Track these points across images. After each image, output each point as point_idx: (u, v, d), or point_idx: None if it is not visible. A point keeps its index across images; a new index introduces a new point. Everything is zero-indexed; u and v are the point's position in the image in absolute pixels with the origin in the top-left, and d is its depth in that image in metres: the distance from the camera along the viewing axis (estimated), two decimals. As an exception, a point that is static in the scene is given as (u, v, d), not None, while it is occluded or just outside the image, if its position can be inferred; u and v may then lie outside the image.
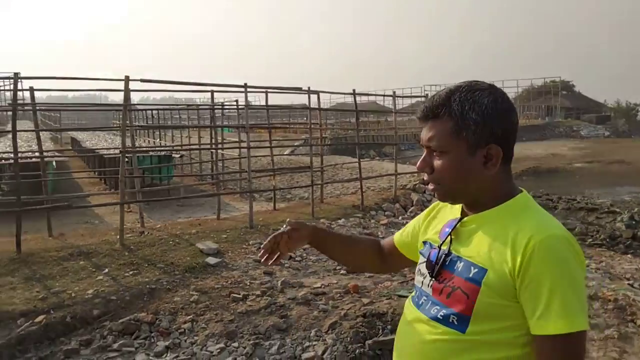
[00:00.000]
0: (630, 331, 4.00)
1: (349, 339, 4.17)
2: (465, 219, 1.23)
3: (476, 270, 1.14)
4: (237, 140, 10.74)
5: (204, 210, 9.52)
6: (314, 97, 8.16)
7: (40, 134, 6.98)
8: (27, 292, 5.01)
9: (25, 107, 6.39)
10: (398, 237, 1.52)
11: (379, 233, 7.21)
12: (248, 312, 4.70)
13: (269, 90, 7.98)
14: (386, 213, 8.41)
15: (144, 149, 11.54)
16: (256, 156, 11.91)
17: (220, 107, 10.00)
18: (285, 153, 20.27)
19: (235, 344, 4.25)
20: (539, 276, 1.05)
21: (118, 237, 6.38)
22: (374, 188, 10.05)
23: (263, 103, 9.42)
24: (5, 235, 7.20)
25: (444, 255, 1.21)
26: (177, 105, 18.24)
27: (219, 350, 4.16)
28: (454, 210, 1.29)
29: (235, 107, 9.99)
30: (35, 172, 7.97)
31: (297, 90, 8.05)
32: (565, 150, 26.05)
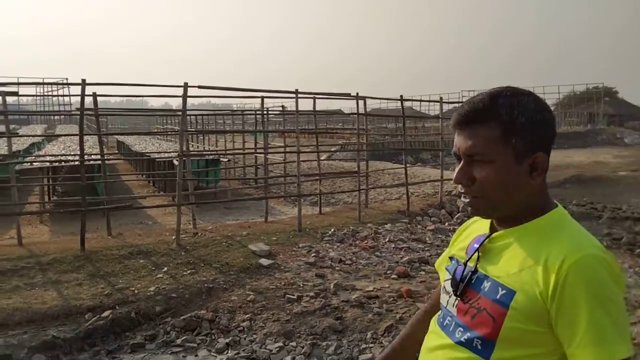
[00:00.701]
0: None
1: (405, 342, 4.23)
2: (495, 234, 1.13)
3: (504, 291, 1.06)
4: (281, 145, 10.91)
5: (250, 213, 9.73)
6: (360, 102, 8.27)
7: (86, 138, 7.26)
8: (92, 288, 5.26)
9: (87, 112, 6.63)
10: (438, 263, 1.37)
11: (427, 239, 7.23)
12: (303, 312, 4.82)
13: (317, 96, 8.13)
14: (432, 219, 8.42)
15: (200, 152, 11.87)
16: (290, 162, 12.11)
17: (266, 112, 10.21)
18: (322, 158, 20.40)
19: (294, 344, 4.38)
20: (575, 300, 0.97)
21: (174, 237, 6.61)
22: (418, 194, 10.07)
23: (303, 108, 9.56)
24: (65, 234, 7.59)
25: (470, 273, 1.13)
26: (221, 110, 18.64)
27: (277, 348, 4.29)
28: (482, 225, 1.20)
29: (281, 112, 10.17)
30: (89, 175, 8.33)
31: (346, 96, 8.18)
32: (608, 158, 25.26)
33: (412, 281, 5.48)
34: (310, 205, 10.12)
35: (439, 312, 1.23)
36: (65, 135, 13.88)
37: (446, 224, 8.31)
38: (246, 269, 5.82)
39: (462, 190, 1.11)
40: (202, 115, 16.25)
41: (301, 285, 5.39)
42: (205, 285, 5.35)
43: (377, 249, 6.55)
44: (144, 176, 13.93)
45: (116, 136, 20.20)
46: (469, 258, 1.15)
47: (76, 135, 6.42)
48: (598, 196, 14.70)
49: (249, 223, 8.12)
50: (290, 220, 8.25)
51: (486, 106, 1.07)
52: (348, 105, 36.56)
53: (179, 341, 4.42)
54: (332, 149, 19.64)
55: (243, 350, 4.30)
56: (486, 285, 1.09)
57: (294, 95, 7.41)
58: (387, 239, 6.93)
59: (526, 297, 1.02)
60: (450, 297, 1.16)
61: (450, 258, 1.24)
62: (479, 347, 1.07)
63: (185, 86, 6.26)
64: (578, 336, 0.96)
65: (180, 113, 6.58)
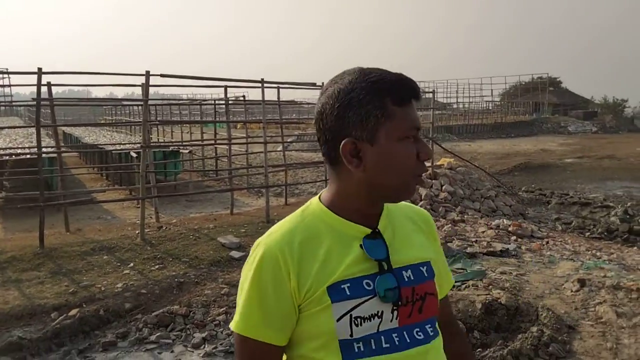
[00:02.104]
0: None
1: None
2: (380, 226, 1.04)
3: (425, 267, 1.07)
4: (243, 135, 10.75)
5: (214, 205, 9.56)
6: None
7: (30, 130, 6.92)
8: (55, 286, 5.04)
9: (44, 103, 6.30)
10: (279, 336, 1.00)
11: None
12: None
13: (281, 85, 8.04)
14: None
15: (164, 144, 11.53)
16: (254, 152, 11.99)
17: (234, 101, 10.02)
18: (278, 149, 20.36)
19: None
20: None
21: (137, 232, 6.42)
22: (382, 183, 10.15)
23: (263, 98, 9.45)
24: (20, 231, 7.21)
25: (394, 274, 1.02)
26: (180, 100, 18.08)
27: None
28: (322, 239, 1.01)
29: (244, 102, 10.00)
30: (35, 169, 7.94)
31: (312, 85, 8.14)
32: (554, 146, 26.39)
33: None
34: (274, 196, 10.04)
35: (360, 350, 0.98)
36: (18, 127, 13.10)
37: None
38: (217, 262, 5.72)
39: (422, 171, 1.02)
40: (161, 105, 15.80)
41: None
42: (176, 280, 5.22)
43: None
44: (96, 169, 13.43)
45: (63, 128, 19.36)
46: (381, 264, 1.01)
47: (27, 127, 6.06)
48: (546, 183, 15.37)
49: (214, 215, 7.99)
50: (257, 211, 8.17)
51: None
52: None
53: (152, 338, 4.29)
54: (289, 140, 19.60)
55: (221, 344, 4.22)
56: (409, 274, 1.03)
57: (259, 85, 7.31)
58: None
59: (433, 259, 1.11)
60: (381, 317, 0.99)
61: (333, 286, 0.97)
62: (431, 332, 1.06)
63: (147, 75, 6.04)
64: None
65: (142, 102, 6.32)
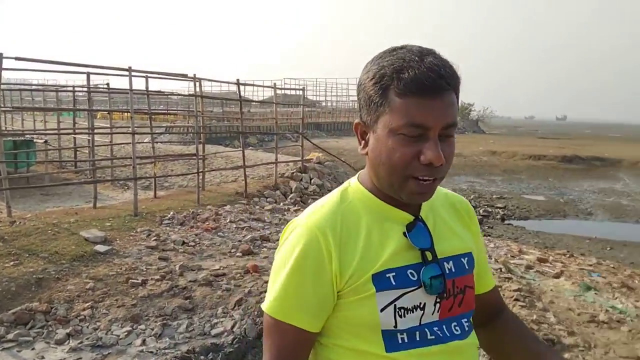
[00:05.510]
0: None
1: (256, 312, 4.47)
2: (422, 214, 1.01)
3: (466, 258, 1.04)
4: (107, 125, 10.19)
5: (73, 199, 8.98)
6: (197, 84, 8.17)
7: None
8: None
9: None
10: (314, 322, 0.96)
11: (265, 218, 7.54)
12: (150, 295, 4.74)
13: (149, 75, 7.79)
14: (268, 199, 8.78)
15: (19, 132, 10.42)
16: (119, 144, 11.43)
17: (96, 89, 9.42)
18: (145, 141, 19.56)
19: (142, 327, 4.30)
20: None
21: (-14, 227, 5.85)
22: (254, 176, 10.33)
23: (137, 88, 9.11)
24: None
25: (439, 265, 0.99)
26: (39, 86, 16.33)
27: (125, 333, 4.17)
28: (369, 220, 0.98)
29: (107, 91, 9.47)
30: None
31: (182, 76, 7.99)
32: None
33: (256, 257, 5.73)
34: (142, 189, 9.69)
35: (403, 340, 0.95)
36: None
37: (281, 204, 8.74)
38: (80, 257, 5.45)
39: (422, 174, 0.89)
40: (10, 90, 14.21)
41: (144, 269, 5.26)
42: (34, 276, 4.89)
43: (219, 229, 6.64)
44: None
45: None
46: (424, 254, 0.97)
47: None
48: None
49: (75, 209, 7.51)
50: (123, 205, 7.86)
51: (454, 69, 0.91)
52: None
53: (10, 336, 4.01)
54: (158, 131, 18.90)
55: (87, 339, 4.08)
56: (451, 265, 1.00)
57: (125, 73, 7.03)
58: (228, 220, 7.06)
59: (474, 250, 1.08)
60: (425, 308, 0.96)
61: (379, 274, 0.93)
62: (467, 327, 1.02)
63: (0, 57, 5.52)
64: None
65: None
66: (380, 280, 0.93)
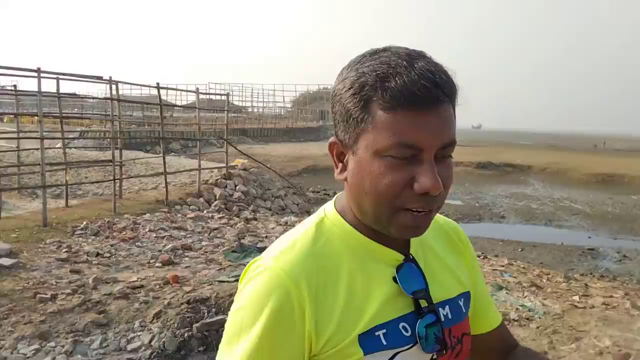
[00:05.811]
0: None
1: (175, 325, 4.32)
2: (412, 251, 0.84)
3: (463, 299, 0.89)
4: (13, 130, 9.51)
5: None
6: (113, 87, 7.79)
7: None
8: None
9: None
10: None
11: (188, 226, 7.32)
12: (60, 311, 4.45)
13: (60, 76, 7.35)
14: (191, 207, 8.54)
15: None
16: (27, 149, 10.70)
17: (3, 91, 8.73)
18: (57, 146, 18.52)
19: (52, 344, 4.03)
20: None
21: None
22: (175, 183, 10.02)
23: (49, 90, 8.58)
24: None
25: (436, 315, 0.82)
26: None
27: (33, 351, 3.89)
28: (349, 268, 0.79)
29: (13, 93, 8.81)
30: None
31: (97, 78, 7.59)
32: (338, 151, 29.03)
33: (177, 267, 5.54)
34: (52, 198, 9.09)
35: None
36: None
37: (205, 211, 8.53)
38: (-19, 271, 5.01)
39: (416, 205, 0.73)
40: None
41: (54, 283, 4.93)
42: None
43: (137, 239, 6.36)
44: None
45: None
46: (417, 301, 0.80)
47: None
48: (330, 184, 16.96)
49: (-25, 220, 6.92)
50: (31, 215, 7.34)
51: (450, 76, 0.73)
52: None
53: None
54: (70, 136, 17.93)
55: (-15, 359, 3.76)
56: (447, 311, 0.85)
57: (34, 74, 6.58)
58: (147, 229, 6.78)
59: (472, 287, 0.94)
60: None
61: (367, 334, 0.76)
62: None
63: None
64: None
65: None
66: (368, 341, 0.75)
